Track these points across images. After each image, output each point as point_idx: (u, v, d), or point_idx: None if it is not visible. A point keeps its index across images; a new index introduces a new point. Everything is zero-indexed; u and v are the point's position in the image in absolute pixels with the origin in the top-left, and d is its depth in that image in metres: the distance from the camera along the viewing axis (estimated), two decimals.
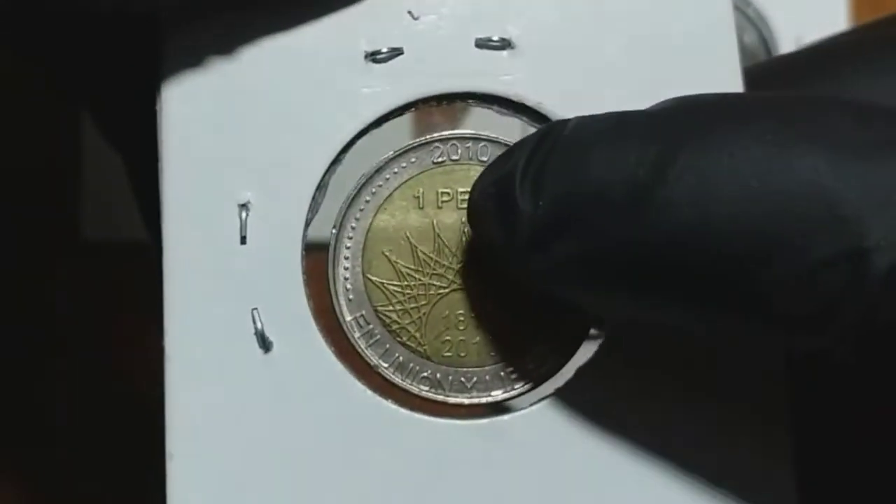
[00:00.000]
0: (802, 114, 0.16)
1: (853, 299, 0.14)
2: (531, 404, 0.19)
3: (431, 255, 0.19)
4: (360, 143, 0.20)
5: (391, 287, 0.19)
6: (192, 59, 0.19)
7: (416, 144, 0.20)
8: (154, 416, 0.19)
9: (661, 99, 0.20)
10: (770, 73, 0.23)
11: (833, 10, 0.34)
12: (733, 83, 0.20)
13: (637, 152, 0.16)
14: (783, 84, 0.22)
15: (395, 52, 0.20)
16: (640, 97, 0.20)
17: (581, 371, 0.19)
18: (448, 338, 0.19)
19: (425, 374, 0.19)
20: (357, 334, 0.19)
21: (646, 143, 0.16)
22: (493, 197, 0.18)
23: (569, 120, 0.18)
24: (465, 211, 0.20)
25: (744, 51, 0.34)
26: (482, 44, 0.20)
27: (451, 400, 0.19)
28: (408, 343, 0.19)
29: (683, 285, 0.16)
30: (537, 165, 0.17)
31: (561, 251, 0.16)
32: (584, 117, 0.17)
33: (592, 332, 0.19)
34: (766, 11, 0.34)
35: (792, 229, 0.15)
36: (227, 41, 0.19)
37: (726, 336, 0.18)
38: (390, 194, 0.20)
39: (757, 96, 0.17)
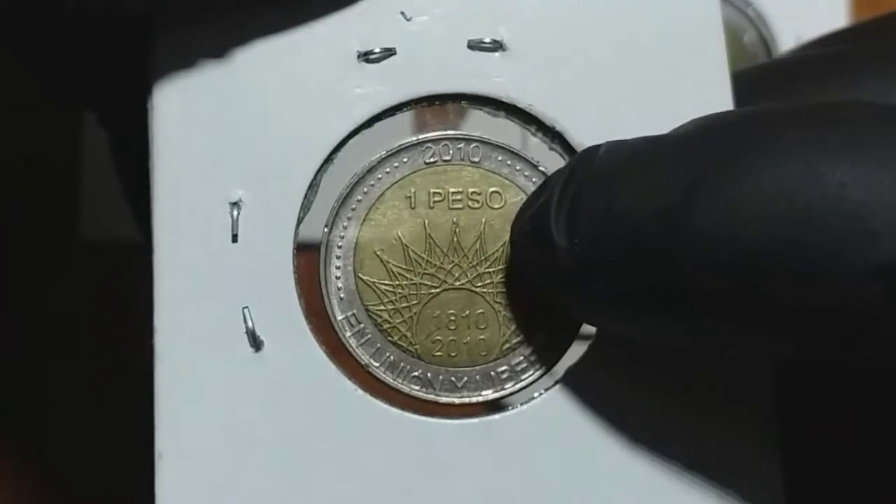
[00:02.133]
0: (825, 124, 0.15)
1: (890, 315, 0.14)
2: (522, 404, 0.19)
3: (423, 255, 0.19)
4: (351, 142, 0.20)
5: (383, 286, 0.19)
6: (184, 59, 0.19)
7: (407, 145, 0.20)
8: (153, 416, 0.19)
9: (652, 100, 0.20)
10: (769, 77, 0.23)
11: (833, 10, 0.34)
12: (721, 81, 0.20)
13: (665, 180, 0.16)
14: (784, 89, 0.21)
15: (388, 53, 0.20)
16: (630, 98, 0.20)
17: (571, 371, 0.19)
18: (439, 337, 0.19)
19: (416, 373, 0.19)
20: (348, 333, 0.19)
21: (673, 170, 0.16)
22: (529, 234, 0.18)
23: (598, 147, 0.17)
24: (456, 211, 0.20)
25: (744, 51, 0.34)
26: (474, 45, 0.20)
27: (442, 399, 0.19)
28: (399, 342, 0.19)
29: (724, 310, 0.15)
30: (570, 199, 0.17)
31: (601, 286, 0.17)
32: (612, 144, 0.17)
33: (582, 332, 0.19)
34: (766, 11, 0.34)
35: (824, 249, 0.14)
36: (220, 42, 0.19)
37: (765, 357, 0.18)
38: (382, 194, 0.20)
39: (777, 108, 0.16)
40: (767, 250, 0.15)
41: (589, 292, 0.17)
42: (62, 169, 0.28)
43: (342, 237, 0.19)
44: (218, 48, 0.19)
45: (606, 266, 0.16)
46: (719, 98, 0.20)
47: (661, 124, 0.20)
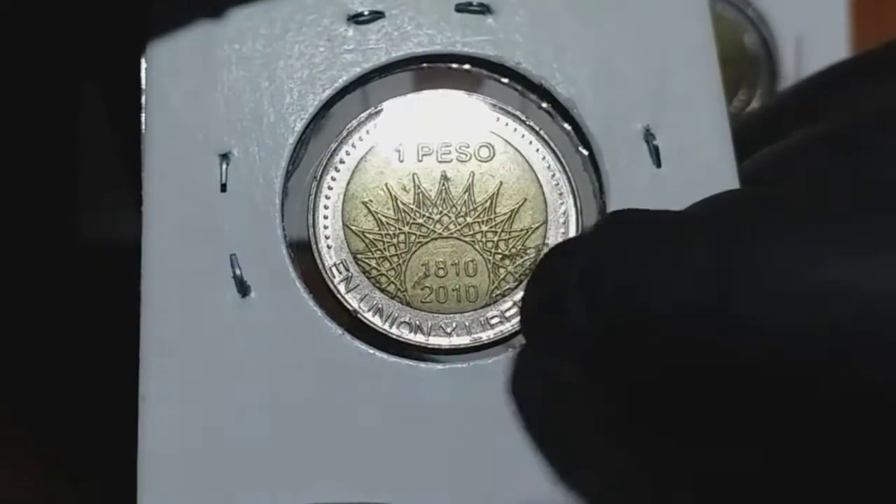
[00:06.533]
0: (846, 211, 0.15)
1: None
2: (511, 349, 0.19)
3: (412, 205, 0.20)
4: (342, 102, 0.20)
5: (371, 236, 0.19)
6: (178, 16, 0.20)
7: (396, 102, 0.20)
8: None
9: (639, 56, 0.20)
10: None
11: (833, 10, 0.34)
12: (704, 34, 0.20)
13: (700, 269, 0.15)
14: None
15: (377, 15, 0.20)
16: (617, 55, 0.20)
17: None
18: (428, 285, 0.19)
19: (405, 319, 0.19)
20: (336, 279, 0.19)
21: (702, 263, 0.15)
22: (544, 310, 0.17)
23: (617, 220, 0.17)
24: (445, 164, 0.20)
25: (744, 51, 0.34)
26: (462, 8, 0.21)
27: (431, 343, 0.19)
28: (387, 289, 0.19)
29: (742, 404, 0.15)
30: (590, 281, 0.16)
31: (616, 375, 0.16)
32: (634, 221, 0.17)
33: None
34: (766, 11, 0.34)
35: (849, 343, 0.14)
36: (213, 1, 0.20)
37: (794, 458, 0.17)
38: (371, 148, 0.20)
39: (797, 192, 0.16)
40: (792, 346, 0.14)
41: (603, 378, 0.17)
42: (62, 169, 0.28)
43: (330, 188, 0.20)
44: (211, 8, 0.20)
45: (626, 353, 0.16)
46: (703, 55, 0.20)
47: (647, 80, 0.20)
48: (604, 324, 0.16)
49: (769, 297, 0.15)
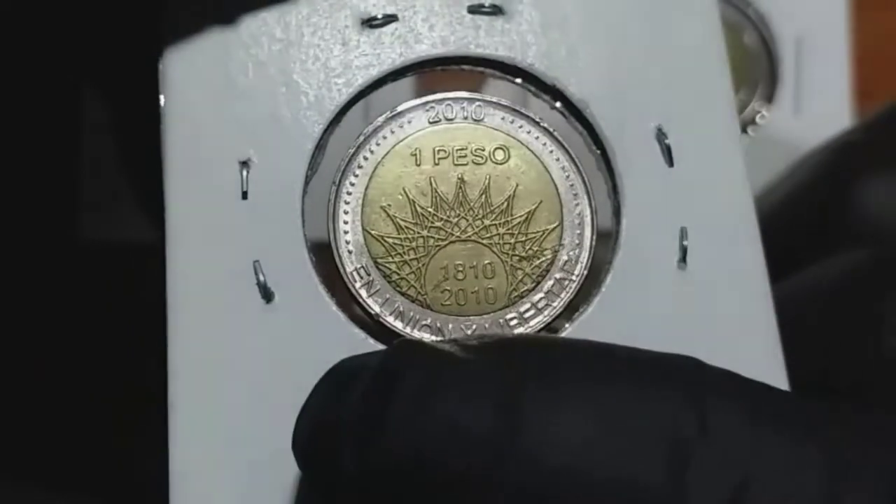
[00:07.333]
0: (644, 386, 0.16)
1: None
2: None
3: (429, 208, 0.20)
4: (357, 106, 0.20)
5: (390, 240, 0.20)
6: (193, 24, 0.20)
7: (411, 106, 0.20)
8: (154, 415, 0.19)
9: (649, 58, 0.21)
10: None
11: (833, 10, 0.34)
12: (714, 40, 0.21)
13: (483, 413, 0.15)
14: None
15: (390, 19, 0.21)
16: (628, 56, 0.21)
17: (578, 318, 0.19)
18: (447, 288, 0.19)
19: (426, 322, 0.19)
20: (358, 284, 0.19)
21: (488, 398, 0.15)
22: (315, 444, 0.17)
23: (400, 359, 0.17)
24: (461, 167, 0.20)
25: (744, 51, 0.35)
26: (474, 10, 0.21)
27: None
28: (408, 293, 0.19)
29: None
30: (367, 422, 0.16)
31: None
32: (415, 358, 0.16)
33: (590, 279, 0.20)
34: (766, 11, 0.34)
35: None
36: (227, 8, 0.20)
37: None
38: (388, 152, 0.20)
39: (603, 352, 0.17)
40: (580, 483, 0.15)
41: None
42: (62, 168, 0.28)
43: (349, 193, 0.20)
44: (225, 14, 0.20)
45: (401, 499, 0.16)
46: (713, 54, 0.21)
47: (658, 80, 0.21)
48: (379, 467, 0.16)
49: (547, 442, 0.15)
